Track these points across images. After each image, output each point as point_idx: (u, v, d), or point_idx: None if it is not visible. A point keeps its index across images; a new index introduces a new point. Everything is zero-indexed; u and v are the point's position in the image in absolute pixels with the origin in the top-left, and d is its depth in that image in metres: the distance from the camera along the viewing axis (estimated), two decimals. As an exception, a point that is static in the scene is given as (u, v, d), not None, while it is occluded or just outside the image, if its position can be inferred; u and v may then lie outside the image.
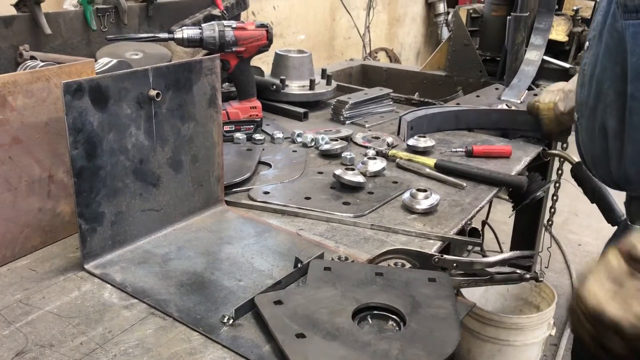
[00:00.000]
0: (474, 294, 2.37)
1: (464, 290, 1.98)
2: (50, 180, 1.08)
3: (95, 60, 1.49)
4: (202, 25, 1.60)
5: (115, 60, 1.51)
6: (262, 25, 1.66)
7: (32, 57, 1.47)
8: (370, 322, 0.90)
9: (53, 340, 0.85)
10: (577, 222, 3.78)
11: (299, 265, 1.01)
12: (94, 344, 0.84)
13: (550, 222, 2.37)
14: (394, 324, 0.89)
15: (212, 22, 1.61)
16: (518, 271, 1.06)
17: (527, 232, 2.60)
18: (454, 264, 1.05)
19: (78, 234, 1.01)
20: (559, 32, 2.48)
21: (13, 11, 1.70)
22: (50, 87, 1.04)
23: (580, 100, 1.21)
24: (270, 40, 1.67)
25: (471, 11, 2.70)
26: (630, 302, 0.72)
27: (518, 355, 2.29)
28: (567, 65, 2.42)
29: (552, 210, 2.30)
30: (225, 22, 1.62)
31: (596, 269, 0.79)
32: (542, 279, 1.09)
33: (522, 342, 2.23)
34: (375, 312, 0.91)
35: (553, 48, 2.44)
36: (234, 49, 1.63)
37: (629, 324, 0.72)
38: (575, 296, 0.80)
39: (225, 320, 0.89)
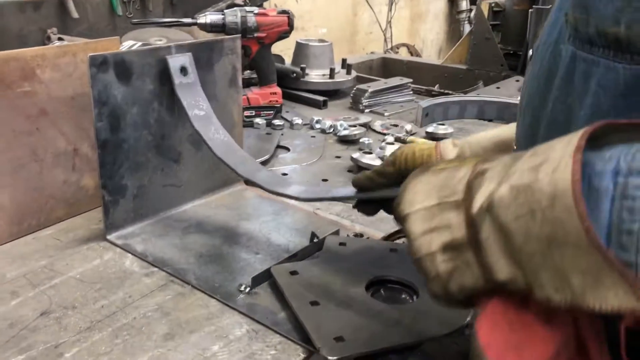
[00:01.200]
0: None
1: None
2: (75, 154, 1.11)
3: (121, 44, 1.53)
4: (225, 10, 1.62)
5: (139, 43, 1.54)
6: (284, 12, 1.68)
7: (60, 39, 1.51)
8: (384, 293, 0.91)
9: (75, 302, 0.87)
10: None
11: (315, 240, 1.03)
12: (115, 307, 0.86)
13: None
14: (407, 296, 0.90)
15: (235, 8, 1.64)
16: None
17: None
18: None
19: (102, 205, 1.04)
20: (581, 25, 2.46)
21: (42, -5, 1.74)
22: (77, 62, 1.08)
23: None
24: (291, 26, 1.69)
25: (493, 5, 2.69)
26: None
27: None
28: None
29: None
30: (248, 8, 1.64)
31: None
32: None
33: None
34: (389, 284, 0.92)
35: (575, 41, 2.42)
36: (255, 34, 1.65)
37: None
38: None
39: (242, 289, 0.91)
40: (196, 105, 1.10)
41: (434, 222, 0.53)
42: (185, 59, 1.09)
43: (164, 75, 1.08)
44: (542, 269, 0.44)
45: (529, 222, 0.44)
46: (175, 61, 1.07)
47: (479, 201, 0.49)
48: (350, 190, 0.91)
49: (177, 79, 1.07)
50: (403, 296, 0.91)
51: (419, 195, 0.55)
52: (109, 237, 1.05)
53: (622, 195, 0.41)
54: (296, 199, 1.00)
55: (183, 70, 1.08)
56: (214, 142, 1.08)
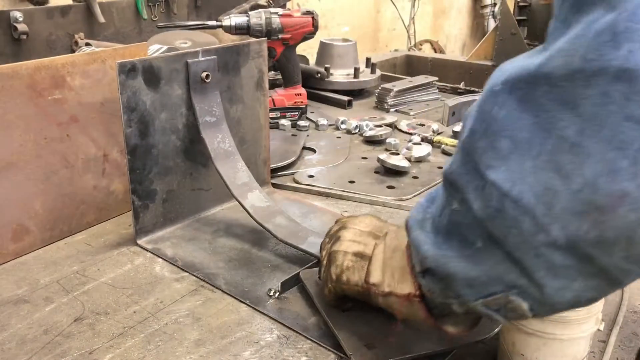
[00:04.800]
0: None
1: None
2: (105, 159, 1.12)
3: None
4: (249, 12, 1.63)
5: (165, 47, 1.55)
6: (308, 12, 1.68)
7: (87, 44, 1.53)
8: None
9: (108, 308, 0.88)
10: (628, 218, 3.66)
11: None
12: (147, 313, 0.87)
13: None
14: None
15: (259, 10, 1.64)
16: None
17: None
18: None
19: (131, 210, 1.05)
20: (610, 19, 2.41)
21: (69, 1, 1.77)
22: (106, 69, 1.09)
23: None
24: (315, 27, 1.69)
25: (519, 0, 2.66)
26: None
27: (564, 349, 2.24)
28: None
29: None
30: (272, 10, 1.64)
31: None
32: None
33: (569, 336, 2.17)
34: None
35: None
36: (280, 36, 1.65)
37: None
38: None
39: (271, 294, 0.91)
40: (209, 111, 1.10)
41: (360, 239, 0.79)
42: (207, 63, 1.09)
43: (191, 80, 1.08)
44: (388, 270, 0.71)
45: (393, 240, 0.73)
46: (196, 65, 1.08)
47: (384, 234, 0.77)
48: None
49: (194, 83, 1.08)
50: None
51: (361, 224, 0.82)
52: (139, 241, 1.06)
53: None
54: (274, 236, 1.02)
55: (204, 74, 1.09)
56: (216, 152, 1.09)
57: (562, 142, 0.46)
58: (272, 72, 1.95)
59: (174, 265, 1.00)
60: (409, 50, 3.88)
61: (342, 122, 1.71)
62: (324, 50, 2.07)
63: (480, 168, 0.51)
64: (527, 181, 0.48)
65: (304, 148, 1.54)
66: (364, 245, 0.78)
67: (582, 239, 0.46)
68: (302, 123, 1.69)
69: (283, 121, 1.69)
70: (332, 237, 0.84)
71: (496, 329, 0.81)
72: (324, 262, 0.84)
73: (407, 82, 2.02)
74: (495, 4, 4.81)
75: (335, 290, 0.81)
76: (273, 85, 1.85)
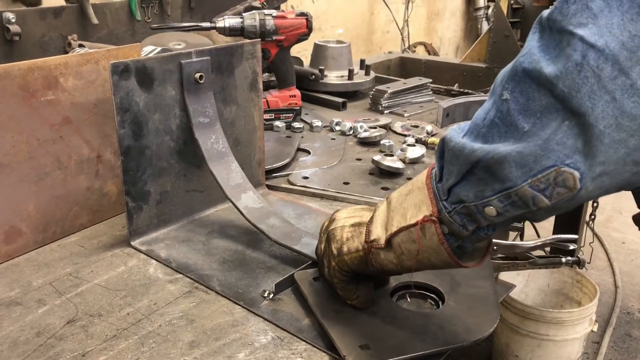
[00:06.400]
0: (513, 290, 2.34)
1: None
2: (98, 161, 1.12)
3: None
4: (243, 14, 1.62)
5: (159, 48, 1.55)
6: (302, 14, 1.68)
7: (81, 45, 1.53)
8: (409, 300, 0.90)
9: (101, 310, 0.88)
10: (621, 220, 3.69)
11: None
12: (140, 315, 0.87)
13: (592, 217, 2.32)
14: (433, 303, 0.89)
15: (253, 11, 1.64)
16: (560, 256, 1.05)
17: (567, 225, 2.55)
18: (494, 247, 1.04)
19: (125, 212, 1.04)
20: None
21: (62, 2, 1.76)
22: (99, 70, 1.08)
23: None
24: (310, 28, 1.69)
25: (512, 2, 2.67)
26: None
27: (558, 350, 2.25)
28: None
29: (595, 204, 2.25)
30: (266, 11, 1.64)
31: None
32: (585, 264, 1.07)
33: (563, 337, 2.18)
34: (414, 290, 0.91)
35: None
36: (274, 37, 1.65)
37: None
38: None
39: (265, 295, 0.90)
40: (203, 112, 1.10)
41: (355, 214, 0.83)
42: (201, 64, 1.09)
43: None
44: (396, 215, 0.74)
45: (403, 189, 0.76)
46: (190, 66, 1.07)
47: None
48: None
49: (187, 84, 1.08)
50: (428, 301, 0.90)
51: (354, 206, 0.88)
52: (132, 243, 1.06)
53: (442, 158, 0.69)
54: (268, 237, 1.02)
55: (198, 75, 1.08)
56: (210, 153, 1.09)
57: None
58: (266, 73, 1.95)
59: (167, 266, 0.99)
60: (402, 52, 3.89)
61: (337, 124, 1.71)
62: (318, 52, 2.07)
63: (568, 28, 0.55)
64: (614, 33, 0.52)
65: (299, 149, 1.54)
66: (360, 216, 0.82)
67: None
68: (296, 124, 1.69)
69: (277, 122, 1.69)
70: (327, 226, 0.86)
71: (490, 330, 0.81)
72: (322, 246, 0.86)
73: (401, 84, 2.02)
74: (488, 7, 4.83)
75: (339, 266, 0.81)
76: (267, 86, 1.85)
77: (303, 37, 1.70)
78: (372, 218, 0.80)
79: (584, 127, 0.54)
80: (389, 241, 0.75)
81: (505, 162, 0.59)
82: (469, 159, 0.63)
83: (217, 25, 1.59)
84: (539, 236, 2.76)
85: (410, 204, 0.73)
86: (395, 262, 0.75)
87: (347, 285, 0.84)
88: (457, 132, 0.68)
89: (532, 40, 0.59)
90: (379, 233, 0.76)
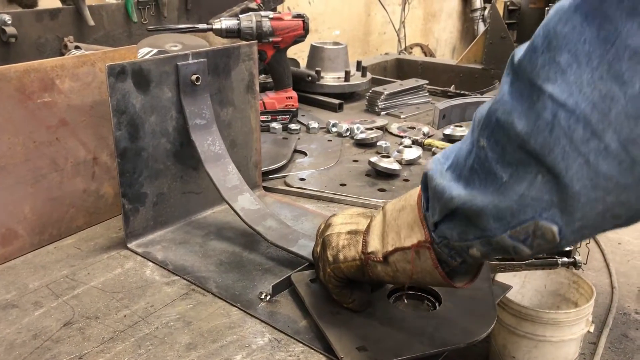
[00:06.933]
0: (510, 291, 2.34)
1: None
2: (95, 163, 1.12)
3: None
4: (240, 15, 1.62)
5: (155, 50, 1.55)
6: (299, 16, 1.68)
7: (77, 47, 1.52)
8: (406, 301, 0.90)
9: (98, 312, 0.88)
10: (617, 220, 3.69)
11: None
12: (137, 317, 0.87)
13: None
14: (429, 304, 0.89)
15: (250, 13, 1.64)
16: (556, 257, 1.05)
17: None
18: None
19: (122, 214, 1.04)
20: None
21: (59, 4, 1.76)
22: (95, 72, 1.08)
23: None
24: (306, 30, 1.69)
25: (508, 3, 2.68)
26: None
27: (555, 351, 2.25)
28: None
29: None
30: (263, 13, 1.64)
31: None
32: (581, 265, 1.07)
33: (560, 338, 2.18)
34: (411, 292, 0.91)
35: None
36: (270, 39, 1.65)
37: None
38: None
39: (262, 297, 0.90)
40: (199, 114, 1.10)
41: (351, 220, 0.83)
42: (197, 66, 1.09)
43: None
44: (391, 232, 0.74)
45: (396, 204, 0.76)
46: (186, 68, 1.07)
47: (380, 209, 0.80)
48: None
49: (184, 86, 1.08)
50: (425, 303, 0.90)
51: (350, 210, 0.87)
52: (129, 245, 1.05)
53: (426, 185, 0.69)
54: (265, 239, 1.02)
55: (194, 77, 1.08)
56: (207, 155, 1.09)
57: (623, 51, 0.48)
58: (263, 75, 1.95)
59: (164, 268, 0.99)
60: (399, 53, 3.89)
61: (333, 125, 1.71)
62: (315, 53, 2.07)
63: (537, 82, 0.53)
64: (584, 92, 0.50)
65: (295, 151, 1.54)
66: (356, 224, 0.82)
67: (635, 142, 0.48)
68: (293, 126, 1.69)
69: (274, 124, 1.69)
70: (323, 229, 0.86)
71: (487, 331, 0.81)
72: (318, 249, 0.86)
73: (398, 85, 2.03)
74: (485, 8, 4.84)
75: (335, 273, 0.81)
76: (264, 88, 1.85)
77: (299, 38, 1.70)
78: (368, 227, 0.79)
79: (559, 186, 0.53)
80: (385, 257, 0.75)
81: (483, 214, 0.59)
82: (448, 205, 0.64)
83: (214, 26, 1.59)
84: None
85: (404, 222, 0.73)
86: (392, 275, 0.76)
87: (342, 290, 0.84)
88: (439, 165, 0.67)
89: (505, 84, 0.57)
90: (376, 245, 0.76)
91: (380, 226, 0.77)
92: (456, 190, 0.62)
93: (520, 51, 0.57)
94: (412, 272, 0.72)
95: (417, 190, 0.73)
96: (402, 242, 0.72)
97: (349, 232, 0.81)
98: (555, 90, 0.51)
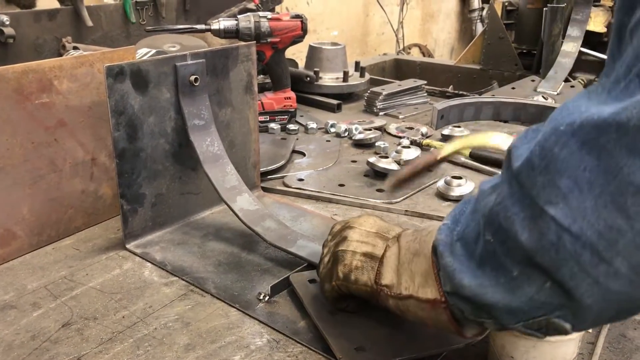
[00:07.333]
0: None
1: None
2: (93, 163, 1.12)
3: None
4: (238, 16, 1.62)
5: (154, 51, 1.55)
6: (297, 16, 1.68)
7: (75, 48, 1.52)
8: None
9: (97, 313, 0.88)
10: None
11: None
12: (136, 318, 0.87)
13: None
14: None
15: (248, 14, 1.64)
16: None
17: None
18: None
19: (120, 214, 1.04)
20: (597, 23, 2.44)
21: (57, 4, 1.76)
22: (94, 72, 1.08)
23: None
24: (304, 30, 1.69)
25: (506, 4, 2.68)
26: None
27: (553, 351, 2.24)
28: (605, 56, 2.37)
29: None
30: (261, 13, 1.64)
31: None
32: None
33: (558, 338, 2.18)
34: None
35: (591, 40, 2.40)
36: (269, 39, 1.65)
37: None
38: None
39: (261, 297, 0.90)
40: (198, 114, 1.10)
41: (368, 240, 0.80)
42: (196, 67, 1.09)
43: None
44: (405, 273, 0.72)
45: (411, 243, 0.73)
46: (185, 69, 1.07)
47: (395, 236, 0.79)
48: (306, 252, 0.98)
49: (182, 87, 1.08)
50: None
51: (367, 224, 0.83)
52: (127, 246, 1.05)
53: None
54: (263, 239, 1.02)
55: (193, 78, 1.08)
56: (205, 155, 1.09)
57: (627, 186, 0.47)
58: (261, 75, 1.95)
59: (163, 269, 0.99)
60: (397, 54, 3.90)
61: (332, 126, 1.71)
62: (313, 54, 2.07)
63: (539, 202, 0.51)
64: (588, 219, 0.49)
65: (294, 151, 1.54)
66: (373, 246, 0.79)
67: None
68: (291, 127, 1.69)
69: (272, 125, 1.69)
70: (336, 235, 0.84)
71: (486, 332, 0.81)
72: (326, 258, 0.84)
73: (396, 85, 2.03)
74: (483, 8, 4.85)
75: (341, 288, 0.80)
76: (262, 88, 1.84)
77: (298, 39, 1.70)
78: (383, 258, 0.76)
79: (569, 295, 0.52)
80: (398, 297, 0.72)
81: (495, 308, 0.58)
82: (459, 291, 0.61)
83: (212, 27, 1.59)
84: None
85: (418, 269, 0.70)
86: (401, 311, 0.74)
87: (340, 299, 0.83)
88: (449, 235, 0.64)
89: (505, 185, 0.55)
90: (391, 279, 0.73)
91: (395, 260, 0.74)
92: (467, 278, 0.60)
93: (518, 156, 0.55)
94: (424, 319, 0.70)
95: (432, 235, 0.69)
96: (416, 291, 0.69)
97: (365, 254, 0.78)
98: (558, 214, 0.50)
